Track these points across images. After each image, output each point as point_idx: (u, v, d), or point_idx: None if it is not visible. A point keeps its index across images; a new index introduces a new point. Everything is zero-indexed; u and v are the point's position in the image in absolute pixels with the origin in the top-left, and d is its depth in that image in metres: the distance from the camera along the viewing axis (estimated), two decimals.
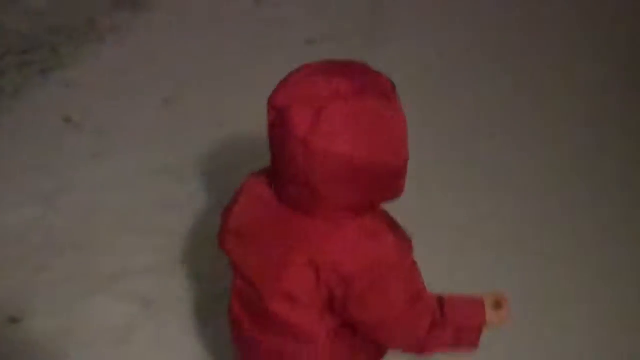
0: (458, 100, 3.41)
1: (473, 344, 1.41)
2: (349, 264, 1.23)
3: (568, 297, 2.45)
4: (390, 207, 1.36)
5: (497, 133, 3.23)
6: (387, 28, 3.99)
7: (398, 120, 1.20)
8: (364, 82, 1.18)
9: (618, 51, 3.82)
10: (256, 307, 1.36)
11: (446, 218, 2.72)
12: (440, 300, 1.39)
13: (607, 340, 2.29)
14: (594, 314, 2.39)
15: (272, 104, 1.20)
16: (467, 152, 3.11)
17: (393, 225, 1.32)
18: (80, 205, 2.86)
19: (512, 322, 1.45)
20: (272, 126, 1.22)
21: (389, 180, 1.23)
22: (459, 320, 1.38)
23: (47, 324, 2.37)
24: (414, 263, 1.32)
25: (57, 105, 3.40)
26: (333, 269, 1.23)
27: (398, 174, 1.23)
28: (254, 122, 3.05)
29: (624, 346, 2.29)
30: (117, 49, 3.82)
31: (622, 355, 2.27)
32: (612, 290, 2.48)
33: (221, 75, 3.59)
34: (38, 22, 3.96)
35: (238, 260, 1.39)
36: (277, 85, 1.22)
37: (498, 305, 1.42)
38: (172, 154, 3.10)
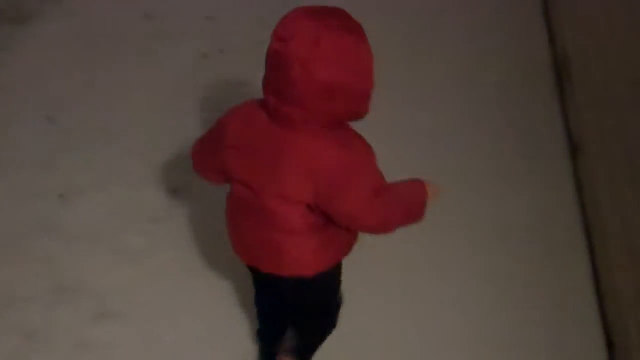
0: None
1: (421, 216, 1.78)
2: (332, 166, 1.57)
3: None
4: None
5: None
6: None
7: (369, 54, 1.55)
8: (345, 21, 1.53)
9: None
10: (252, 206, 1.70)
11: None
12: (395, 185, 1.74)
13: None
14: None
15: (277, 35, 1.51)
16: None
17: (360, 136, 1.67)
18: None
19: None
20: (275, 53, 1.51)
21: (361, 101, 1.57)
22: (410, 199, 1.76)
23: None
24: (376, 162, 1.66)
25: None
26: (319, 170, 1.57)
27: (367, 97, 1.58)
28: (142, 138, 3.04)
29: None
30: None
31: None
32: None
33: (110, 90, 3.44)
34: None
35: (237, 169, 1.69)
36: (279, 21, 1.53)
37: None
38: (54, 174, 2.92)
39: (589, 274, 2.60)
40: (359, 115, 1.61)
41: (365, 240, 1.89)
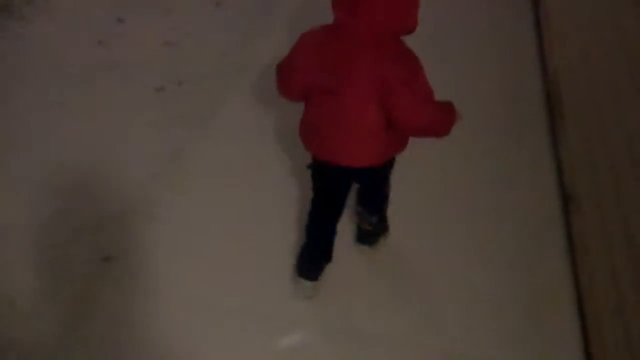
0: None
1: (448, 132, 2.16)
2: (396, 68, 1.97)
3: None
4: None
5: None
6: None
7: None
8: None
9: None
10: (335, 111, 2.08)
11: None
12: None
13: None
14: None
15: None
16: None
17: (412, 51, 2.03)
18: None
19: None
20: None
21: (412, 15, 1.96)
22: (447, 113, 2.15)
23: None
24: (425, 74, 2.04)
25: None
26: (386, 73, 1.96)
27: (416, 11, 1.96)
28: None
29: None
30: None
31: None
32: None
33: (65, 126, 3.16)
34: None
35: (319, 81, 2.05)
36: None
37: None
38: None
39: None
40: (411, 28, 1.99)
41: None
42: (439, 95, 2.08)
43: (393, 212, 2.67)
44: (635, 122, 2.40)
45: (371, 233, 2.69)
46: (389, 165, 2.36)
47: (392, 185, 2.53)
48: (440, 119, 2.13)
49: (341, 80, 2.01)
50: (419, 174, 2.93)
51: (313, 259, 2.54)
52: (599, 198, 2.59)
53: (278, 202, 2.86)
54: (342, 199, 2.45)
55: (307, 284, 2.52)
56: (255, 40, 3.79)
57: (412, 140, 2.26)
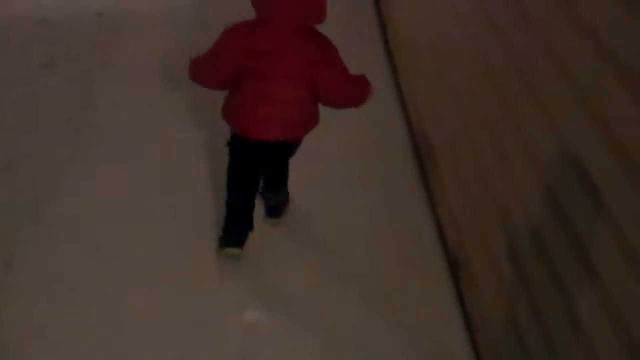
0: None
1: (363, 102, 2.62)
2: (319, 49, 2.44)
3: None
4: None
5: None
6: None
7: None
8: None
9: None
10: (268, 90, 2.45)
11: None
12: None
13: None
14: None
15: None
16: None
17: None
18: None
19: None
20: None
21: (325, 9, 2.36)
22: (362, 85, 2.60)
23: None
24: None
25: None
26: (311, 53, 2.41)
27: (325, 9, 2.37)
28: None
29: None
30: None
31: None
32: None
33: None
34: None
35: (253, 64, 2.41)
36: None
37: None
38: None
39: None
40: (322, 19, 2.39)
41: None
42: None
43: None
44: None
45: (279, 205, 3.02)
46: (301, 140, 2.71)
47: None
48: (357, 89, 2.58)
49: (272, 64, 2.38)
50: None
51: (237, 228, 2.82)
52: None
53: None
54: (260, 172, 2.81)
55: (235, 250, 2.81)
56: None
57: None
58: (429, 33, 3.50)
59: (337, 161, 3.41)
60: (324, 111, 2.66)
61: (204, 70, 2.51)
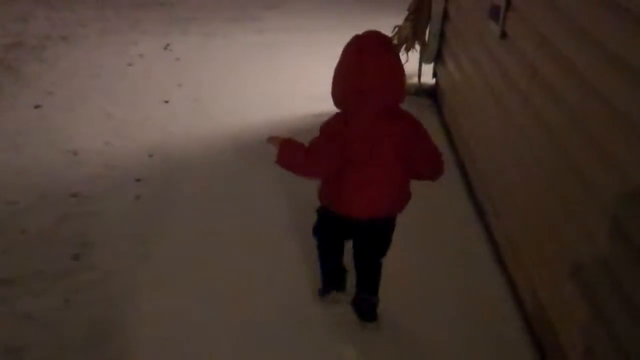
0: None
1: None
2: (409, 124, 2.43)
3: None
4: None
5: None
6: None
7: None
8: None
9: None
10: (373, 175, 2.47)
11: None
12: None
13: None
14: None
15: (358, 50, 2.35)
16: None
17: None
18: None
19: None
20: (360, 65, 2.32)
21: (404, 91, 2.42)
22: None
23: None
24: None
25: None
26: (405, 129, 2.41)
27: (404, 87, 2.42)
28: None
29: None
30: None
31: None
32: None
33: None
34: None
35: (357, 155, 2.42)
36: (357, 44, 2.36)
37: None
38: None
39: None
40: (403, 99, 2.42)
41: None
42: None
43: None
44: None
45: (371, 308, 2.88)
46: (394, 219, 2.73)
47: None
48: (441, 156, 2.57)
49: (367, 152, 2.43)
50: None
51: (334, 275, 2.97)
52: None
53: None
54: (347, 240, 2.89)
55: (337, 294, 2.95)
56: None
57: None
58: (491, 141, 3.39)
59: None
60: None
61: (308, 161, 2.48)
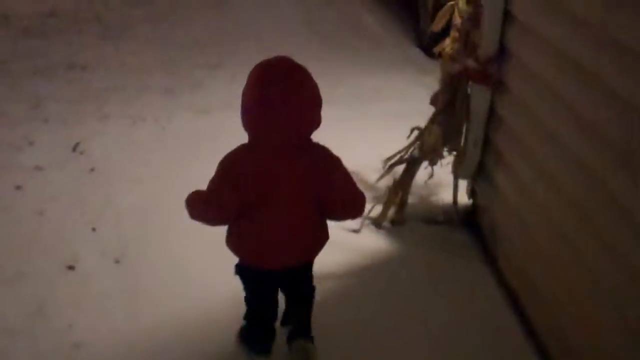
0: None
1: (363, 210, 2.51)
2: (320, 159, 2.30)
3: None
4: None
5: None
6: None
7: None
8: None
9: None
10: (281, 219, 2.29)
11: None
12: None
13: None
14: None
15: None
16: None
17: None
18: None
19: None
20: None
21: (320, 115, 2.24)
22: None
23: None
24: None
25: None
26: (314, 166, 2.26)
27: (320, 111, 2.24)
28: None
29: None
30: None
31: None
32: None
33: None
34: None
35: (253, 197, 2.23)
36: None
37: None
38: None
39: None
40: (318, 126, 2.25)
41: None
42: None
43: None
44: None
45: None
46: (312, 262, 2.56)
47: None
48: (361, 193, 2.39)
49: (274, 190, 2.21)
50: None
51: (262, 335, 2.66)
52: None
53: None
54: (276, 294, 2.62)
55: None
56: None
57: None
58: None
59: None
60: None
61: (206, 205, 2.30)
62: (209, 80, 5.50)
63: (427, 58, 6.03)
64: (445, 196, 3.65)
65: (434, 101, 3.40)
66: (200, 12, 6.94)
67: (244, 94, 2.18)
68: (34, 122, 4.65)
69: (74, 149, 4.29)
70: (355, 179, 2.39)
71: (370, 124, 4.62)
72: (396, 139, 3.53)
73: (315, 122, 2.22)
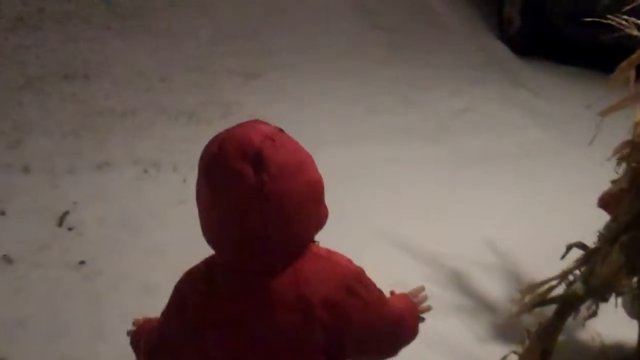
0: None
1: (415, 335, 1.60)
2: (328, 280, 1.35)
3: None
4: None
5: None
6: None
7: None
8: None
9: None
10: None
11: None
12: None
13: None
14: None
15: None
16: None
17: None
18: None
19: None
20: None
21: (325, 206, 1.37)
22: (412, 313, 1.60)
23: None
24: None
25: None
26: (320, 295, 1.32)
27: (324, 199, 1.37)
28: None
29: None
30: None
31: None
32: None
33: None
34: None
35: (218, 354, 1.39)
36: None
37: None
38: None
39: None
40: (323, 223, 1.39)
41: None
42: None
43: None
44: None
45: None
46: None
47: None
48: (407, 320, 1.54)
49: (248, 343, 1.35)
50: None
51: None
52: None
53: None
54: None
55: None
56: None
57: None
58: None
59: None
60: None
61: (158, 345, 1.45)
62: (244, 97, 4.23)
63: (515, 57, 4.79)
64: (609, 335, 2.40)
65: (605, 203, 2.13)
66: None
67: (196, 192, 1.42)
68: (11, 172, 3.47)
69: (60, 223, 3.11)
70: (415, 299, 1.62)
71: (463, 176, 3.40)
72: (506, 205, 2.82)
73: (321, 220, 1.38)
